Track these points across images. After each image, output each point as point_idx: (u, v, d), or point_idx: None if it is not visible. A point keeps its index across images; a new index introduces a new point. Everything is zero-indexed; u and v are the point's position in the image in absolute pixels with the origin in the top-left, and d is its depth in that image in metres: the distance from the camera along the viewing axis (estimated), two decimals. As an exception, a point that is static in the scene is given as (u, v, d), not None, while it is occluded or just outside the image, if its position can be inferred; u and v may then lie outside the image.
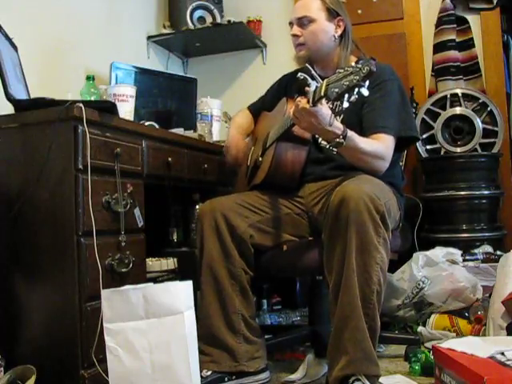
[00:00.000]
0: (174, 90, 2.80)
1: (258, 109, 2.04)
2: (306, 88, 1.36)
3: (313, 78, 1.37)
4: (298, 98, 1.39)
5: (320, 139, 1.71)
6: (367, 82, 1.22)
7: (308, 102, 1.35)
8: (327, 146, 1.49)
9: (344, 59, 1.73)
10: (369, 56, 1.78)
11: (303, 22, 1.73)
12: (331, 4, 1.73)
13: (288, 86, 1.92)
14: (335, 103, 1.30)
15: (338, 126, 1.42)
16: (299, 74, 1.42)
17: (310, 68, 1.49)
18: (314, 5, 1.73)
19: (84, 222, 1.48)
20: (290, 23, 1.78)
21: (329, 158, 1.69)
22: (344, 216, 1.36)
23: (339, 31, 1.75)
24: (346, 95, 1.24)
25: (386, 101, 1.64)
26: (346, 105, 1.25)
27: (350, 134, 1.44)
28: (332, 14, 1.73)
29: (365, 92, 1.22)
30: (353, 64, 1.25)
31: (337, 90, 1.25)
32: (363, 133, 1.59)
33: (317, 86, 1.33)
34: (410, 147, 2.68)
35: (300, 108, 1.38)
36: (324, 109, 1.36)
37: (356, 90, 1.22)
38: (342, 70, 1.26)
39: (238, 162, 1.98)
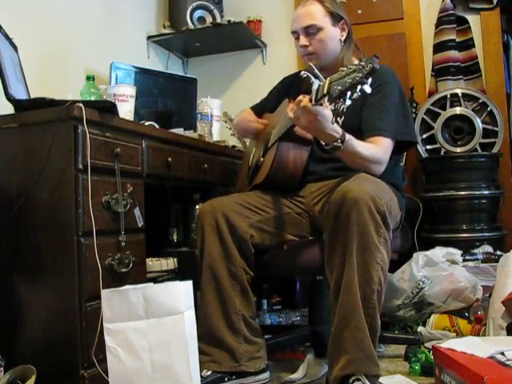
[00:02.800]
0: (174, 90, 2.80)
1: (261, 110, 2.04)
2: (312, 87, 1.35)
3: (316, 77, 1.36)
4: (300, 96, 1.38)
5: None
6: (370, 80, 1.21)
7: (310, 100, 1.35)
8: (326, 148, 1.49)
9: (348, 60, 1.72)
10: (368, 55, 1.79)
11: (310, 31, 1.71)
12: (332, 8, 1.72)
13: (290, 88, 1.92)
14: (337, 103, 1.30)
15: (336, 129, 1.41)
16: (302, 72, 1.41)
17: (313, 67, 1.49)
18: (317, 12, 1.70)
19: (84, 222, 1.48)
20: (295, 32, 1.75)
21: (332, 157, 1.69)
22: (345, 215, 1.36)
23: (345, 34, 1.74)
24: (349, 93, 1.23)
25: (385, 103, 1.64)
26: (348, 102, 1.24)
27: (348, 138, 1.44)
28: (336, 18, 1.72)
29: (367, 89, 1.21)
30: (356, 62, 1.25)
31: (340, 87, 1.24)
32: (362, 134, 1.59)
33: (319, 84, 1.32)
34: (407, 151, 2.68)
35: (301, 106, 1.37)
36: (326, 110, 1.35)
37: (359, 87, 1.21)
38: (344, 69, 1.25)
39: (249, 131, 2.02)
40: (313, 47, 1.72)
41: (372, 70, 1.20)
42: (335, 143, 1.41)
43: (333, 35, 1.72)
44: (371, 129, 1.61)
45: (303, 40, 1.73)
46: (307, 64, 1.75)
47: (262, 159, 1.84)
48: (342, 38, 1.74)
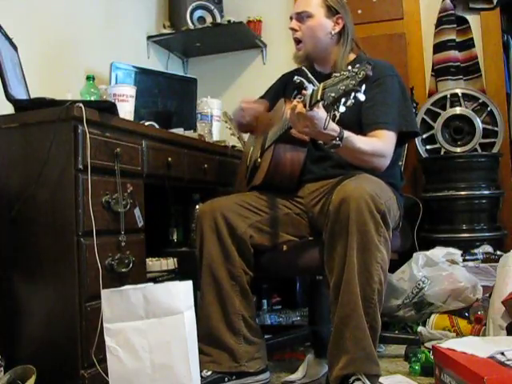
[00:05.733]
0: (174, 90, 2.80)
1: (259, 106, 2.04)
2: (303, 91, 1.36)
3: (309, 81, 1.37)
4: (294, 102, 1.39)
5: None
6: (363, 87, 1.22)
7: (304, 105, 1.35)
8: (325, 147, 1.49)
9: (342, 57, 1.73)
10: (368, 54, 1.80)
11: (302, 16, 1.75)
12: (332, 2, 1.74)
13: (287, 86, 1.92)
14: (331, 107, 1.30)
15: (333, 128, 1.41)
16: (296, 77, 1.42)
17: (307, 71, 1.49)
18: (314, 1, 1.75)
19: (84, 222, 1.48)
20: (290, 17, 1.80)
21: (328, 156, 1.69)
22: (345, 215, 1.36)
23: (337, 28, 1.75)
24: (343, 100, 1.24)
25: (386, 96, 1.64)
26: (342, 109, 1.25)
27: (347, 135, 1.43)
28: (331, 12, 1.74)
29: (361, 97, 1.22)
30: (349, 68, 1.24)
31: (333, 94, 1.24)
32: (363, 129, 1.59)
33: (313, 89, 1.33)
34: (409, 144, 2.71)
35: (296, 112, 1.37)
36: (320, 112, 1.35)
37: (352, 94, 1.22)
38: (338, 74, 1.26)
39: (250, 128, 1.97)
40: (301, 32, 1.76)
41: (365, 77, 1.20)
42: (334, 141, 1.41)
43: (323, 25, 1.74)
44: (373, 123, 1.61)
45: (293, 23, 1.78)
46: (296, 62, 1.79)
47: (259, 160, 1.84)
48: (333, 32, 1.75)
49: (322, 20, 1.74)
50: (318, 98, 1.28)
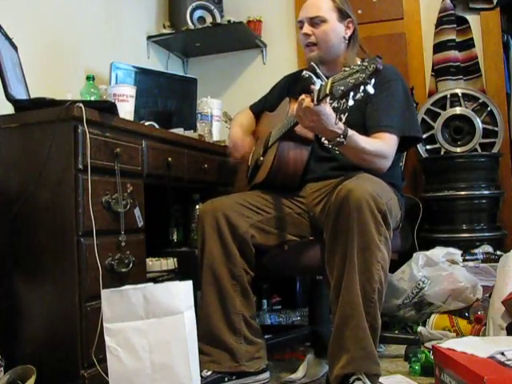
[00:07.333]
0: (174, 90, 2.80)
1: (260, 109, 2.04)
2: (312, 86, 1.36)
3: (318, 77, 1.36)
4: (302, 96, 1.39)
5: (322, 138, 1.72)
6: (373, 80, 1.22)
7: (312, 100, 1.35)
8: (329, 145, 1.49)
9: (351, 60, 1.73)
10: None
11: (315, 21, 1.72)
12: (342, 5, 1.73)
13: (290, 86, 1.92)
14: (340, 102, 1.30)
15: (339, 125, 1.42)
16: (304, 72, 1.41)
17: (315, 66, 1.49)
18: (325, 5, 1.73)
19: (84, 222, 1.48)
20: (300, 22, 1.76)
21: (332, 157, 1.70)
22: (346, 214, 1.37)
23: (349, 32, 1.75)
24: (352, 93, 1.24)
25: (390, 100, 1.64)
26: (351, 103, 1.25)
27: (351, 133, 1.44)
28: (343, 15, 1.74)
29: (371, 90, 1.22)
30: (359, 62, 1.25)
31: (342, 87, 1.24)
32: (367, 131, 1.59)
33: (322, 85, 1.33)
34: (411, 148, 2.70)
35: (304, 107, 1.37)
36: (328, 108, 1.36)
37: (362, 87, 1.22)
38: (347, 69, 1.26)
39: (245, 159, 1.97)
40: (315, 37, 1.73)
41: (375, 70, 1.20)
42: (338, 139, 1.42)
43: (337, 30, 1.73)
44: (377, 125, 1.61)
45: (307, 28, 1.74)
46: (308, 63, 1.76)
47: (261, 158, 1.84)
48: (346, 36, 1.75)
49: (336, 24, 1.72)
50: (327, 92, 1.28)
